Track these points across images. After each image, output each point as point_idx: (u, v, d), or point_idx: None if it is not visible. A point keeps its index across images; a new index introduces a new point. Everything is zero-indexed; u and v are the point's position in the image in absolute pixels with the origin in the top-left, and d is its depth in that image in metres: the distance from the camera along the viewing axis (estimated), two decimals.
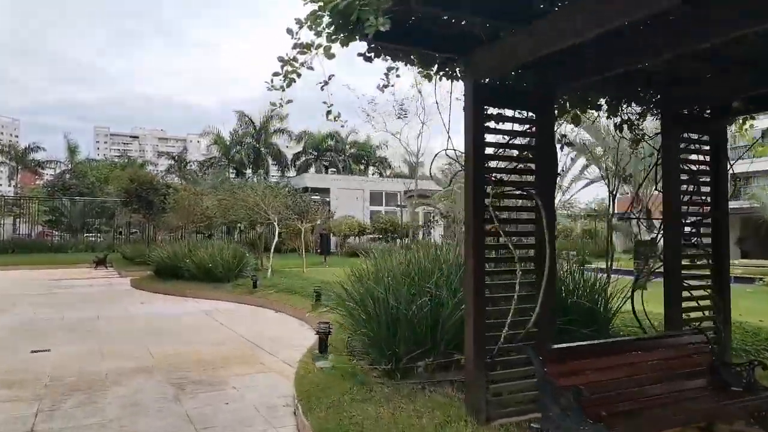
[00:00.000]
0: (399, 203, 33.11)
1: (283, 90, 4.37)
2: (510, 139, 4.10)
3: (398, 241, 33.56)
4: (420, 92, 10.40)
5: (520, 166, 4.23)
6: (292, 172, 54.07)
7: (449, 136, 4.94)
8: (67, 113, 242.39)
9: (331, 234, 27.51)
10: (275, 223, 14.90)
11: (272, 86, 4.38)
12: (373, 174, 56.29)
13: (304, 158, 57.54)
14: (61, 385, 5.50)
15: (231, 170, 51.90)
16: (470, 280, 3.82)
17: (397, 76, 4.88)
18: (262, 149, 53.69)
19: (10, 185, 57.18)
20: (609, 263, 6.34)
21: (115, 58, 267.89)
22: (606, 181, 7.93)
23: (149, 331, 8.81)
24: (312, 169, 52.79)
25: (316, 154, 58.14)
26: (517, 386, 3.85)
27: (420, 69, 4.63)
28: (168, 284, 14.69)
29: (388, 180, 43.77)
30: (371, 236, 33.84)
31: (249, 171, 52.55)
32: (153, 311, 11.18)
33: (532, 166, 4.11)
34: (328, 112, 4.76)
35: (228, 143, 53.86)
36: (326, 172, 50.50)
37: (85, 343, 7.75)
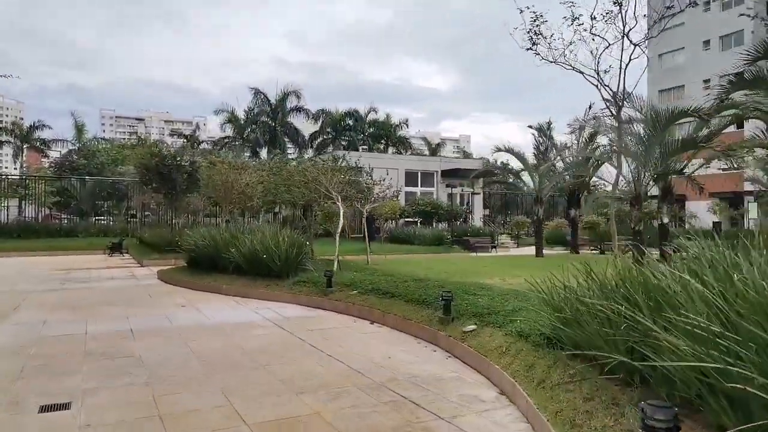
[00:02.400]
0: (447, 183, 30.01)
1: None
2: None
3: (440, 225, 30.62)
4: None
5: None
6: (309, 152, 51.31)
7: None
8: (70, 97, 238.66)
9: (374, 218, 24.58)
10: (339, 203, 11.95)
11: None
12: (393, 153, 53.49)
13: (321, 138, 54.61)
14: None
15: (246, 150, 49.29)
16: None
17: None
18: (278, 128, 50.97)
19: (15, 166, 54.40)
20: None
21: (116, 43, 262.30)
22: None
23: (215, 361, 5.90)
24: (330, 149, 49.87)
25: (334, 133, 55.21)
26: None
27: None
28: (207, 279, 11.83)
29: (425, 158, 40.55)
30: (407, 219, 31.01)
31: (264, 151, 49.87)
32: (203, 321, 8.28)
33: None
34: None
35: (243, 122, 51.24)
36: (344, 150, 47.52)
37: (126, 390, 4.88)
